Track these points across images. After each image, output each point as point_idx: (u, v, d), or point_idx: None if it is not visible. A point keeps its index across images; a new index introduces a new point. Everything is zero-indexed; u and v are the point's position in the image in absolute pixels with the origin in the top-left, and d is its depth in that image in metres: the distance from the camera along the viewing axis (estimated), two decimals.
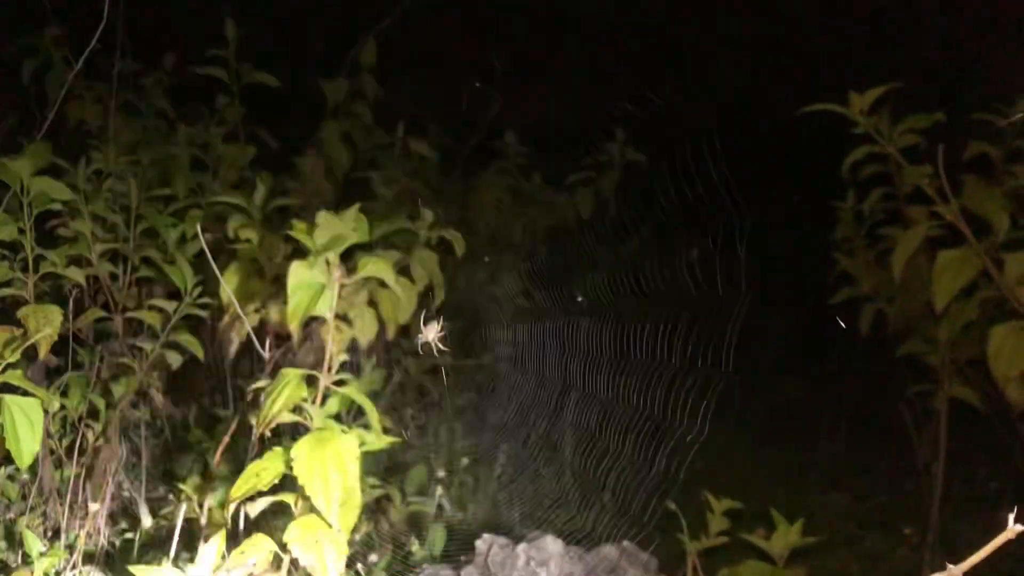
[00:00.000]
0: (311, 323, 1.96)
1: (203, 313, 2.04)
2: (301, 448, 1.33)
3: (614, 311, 2.07)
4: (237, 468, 1.72)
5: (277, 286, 1.96)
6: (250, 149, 2.73)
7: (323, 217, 1.31)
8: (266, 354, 1.85)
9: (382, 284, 2.04)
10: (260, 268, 2.06)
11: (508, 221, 3.25)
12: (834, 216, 2.44)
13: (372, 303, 2.03)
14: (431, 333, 1.61)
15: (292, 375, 1.35)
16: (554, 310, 2.37)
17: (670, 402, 1.75)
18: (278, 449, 1.40)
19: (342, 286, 1.38)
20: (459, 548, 1.94)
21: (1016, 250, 1.66)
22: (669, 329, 1.81)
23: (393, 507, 2.32)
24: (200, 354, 1.99)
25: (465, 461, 2.35)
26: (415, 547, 2.13)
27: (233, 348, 2.03)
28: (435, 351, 1.58)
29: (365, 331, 1.96)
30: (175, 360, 2.03)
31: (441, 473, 2.27)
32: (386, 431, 1.47)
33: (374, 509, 2.24)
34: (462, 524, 2.09)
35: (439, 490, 2.22)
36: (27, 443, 1.35)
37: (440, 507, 2.23)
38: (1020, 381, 1.61)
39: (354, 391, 1.40)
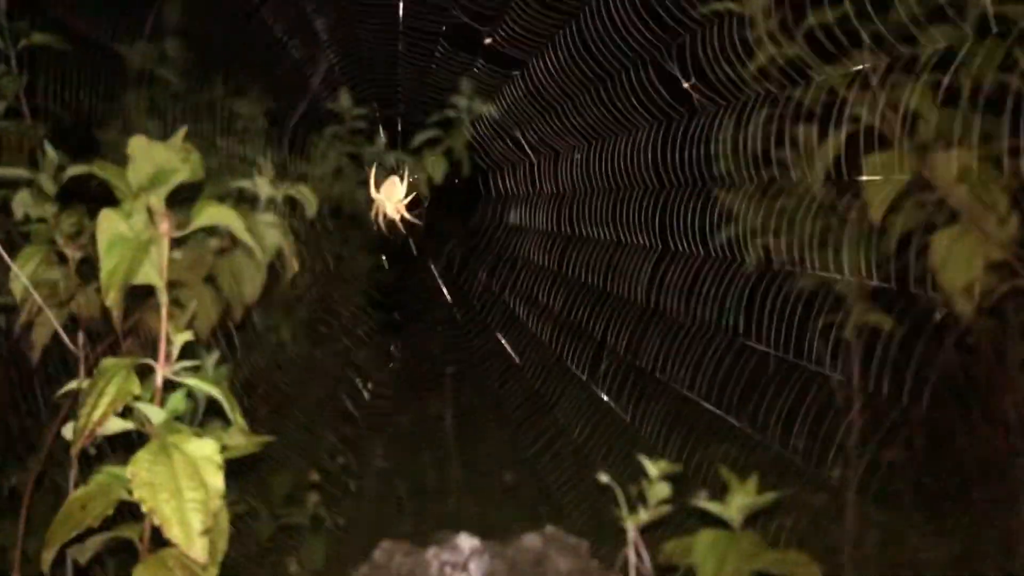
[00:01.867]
0: (134, 310, 1.58)
1: None
2: (140, 463, 0.98)
3: None
4: (56, 503, 1.34)
5: (86, 269, 1.57)
6: (38, 127, 2.27)
7: (138, 145, 0.96)
8: (79, 352, 1.46)
9: (221, 252, 1.69)
10: (61, 252, 1.66)
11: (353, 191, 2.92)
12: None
13: (210, 280, 1.67)
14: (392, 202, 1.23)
15: (116, 367, 1.00)
16: None
17: None
18: (109, 469, 1.04)
19: (174, 244, 1.03)
20: (350, 562, 1.62)
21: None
22: None
23: (257, 523, 1.97)
24: None
25: (341, 460, 2.02)
26: (292, 567, 1.80)
27: (36, 353, 1.62)
28: (401, 227, 1.21)
29: (204, 313, 1.60)
30: None
31: (315, 476, 1.93)
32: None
33: (235, 529, 1.88)
34: (348, 533, 1.77)
35: (313, 497, 1.88)
36: None
37: (316, 517, 1.90)
38: (967, 292, 1.45)
39: (205, 382, 1.06)
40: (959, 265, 1.43)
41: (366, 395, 2.29)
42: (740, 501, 1.34)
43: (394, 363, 2.69)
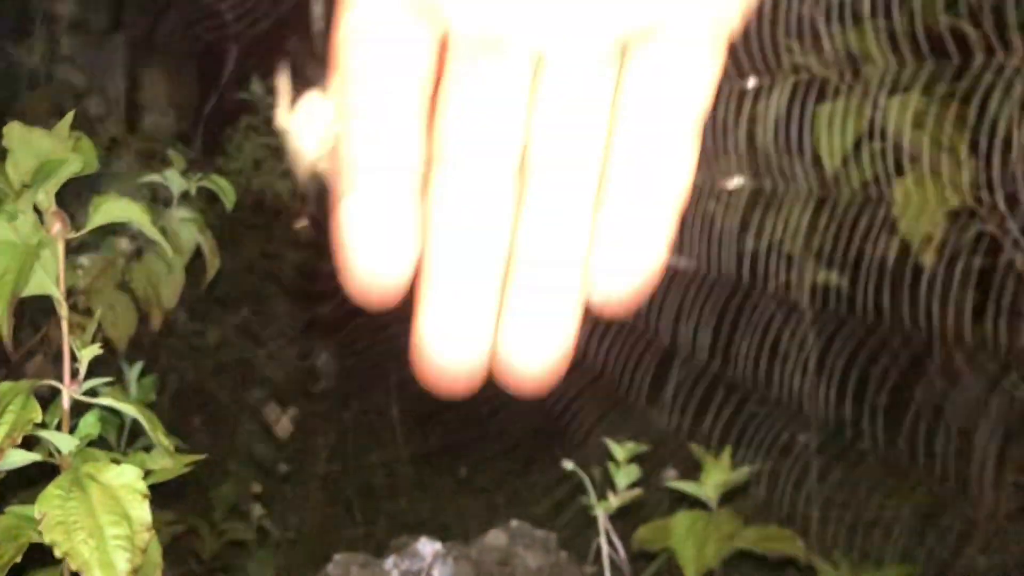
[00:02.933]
0: (42, 323, 1.43)
1: None
2: (49, 500, 0.86)
3: None
4: None
5: None
6: None
7: (15, 134, 0.83)
8: None
9: (134, 256, 1.55)
10: None
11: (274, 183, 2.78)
12: None
13: (122, 286, 1.53)
14: None
15: (12, 392, 0.87)
16: None
17: None
18: (13, 509, 0.91)
19: (69, 247, 0.91)
20: None
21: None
22: None
23: (199, 540, 1.84)
24: None
25: (284, 468, 1.89)
26: None
27: None
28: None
29: (120, 323, 1.46)
30: None
31: (257, 488, 1.80)
32: (177, 450, 1.01)
33: (173, 550, 1.75)
34: (297, 545, 1.65)
35: (257, 509, 1.76)
36: None
37: (261, 529, 1.77)
38: (929, 241, 1.39)
39: (119, 399, 0.94)
40: (919, 213, 1.37)
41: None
42: (715, 479, 1.27)
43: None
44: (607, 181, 0.41)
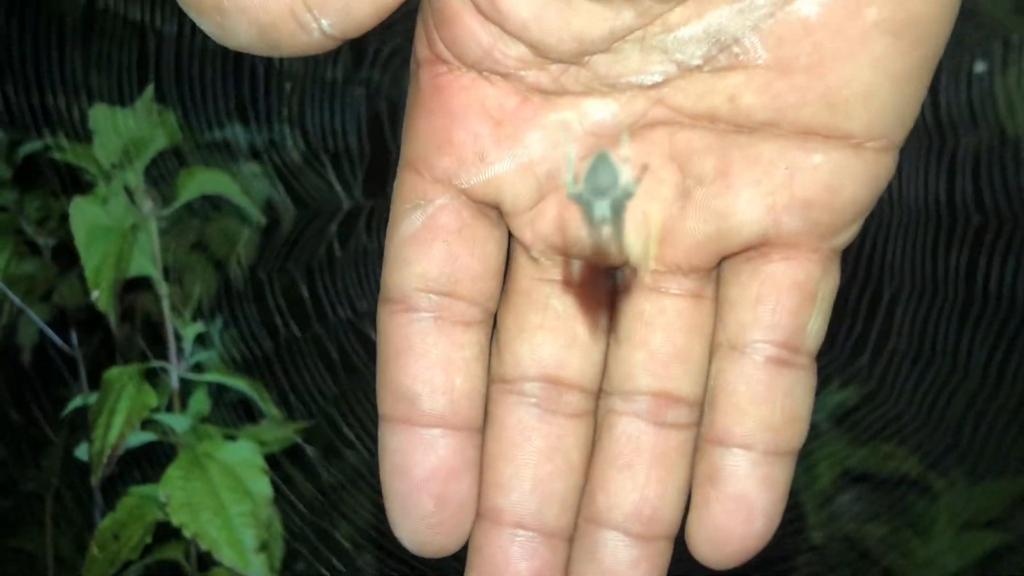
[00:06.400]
0: (127, 293, 1.43)
1: None
2: (172, 482, 0.85)
3: None
4: (76, 535, 1.22)
5: (63, 256, 1.41)
6: None
7: (100, 116, 0.80)
8: (75, 352, 1.31)
9: (205, 217, 1.53)
10: (31, 242, 1.50)
11: None
12: None
13: (199, 246, 1.52)
14: None
15: (124, 377, 0.86)
16: None
17: None
18: (137, 489, 0.91)
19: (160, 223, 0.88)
20: None
21: None
22: None
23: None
24: None
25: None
26: (343, 527, 1.70)
27: (26, 355, 1.47)
28: None
29: (204, 286, 1.45)
30: None
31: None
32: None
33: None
34: None
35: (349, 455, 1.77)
36: None
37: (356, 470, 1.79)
38: None
39: (227, 374, 0.93)
40: None
41: None
42: (825, 401, 1.24)
43: None
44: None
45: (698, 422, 0.38)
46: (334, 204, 1.71)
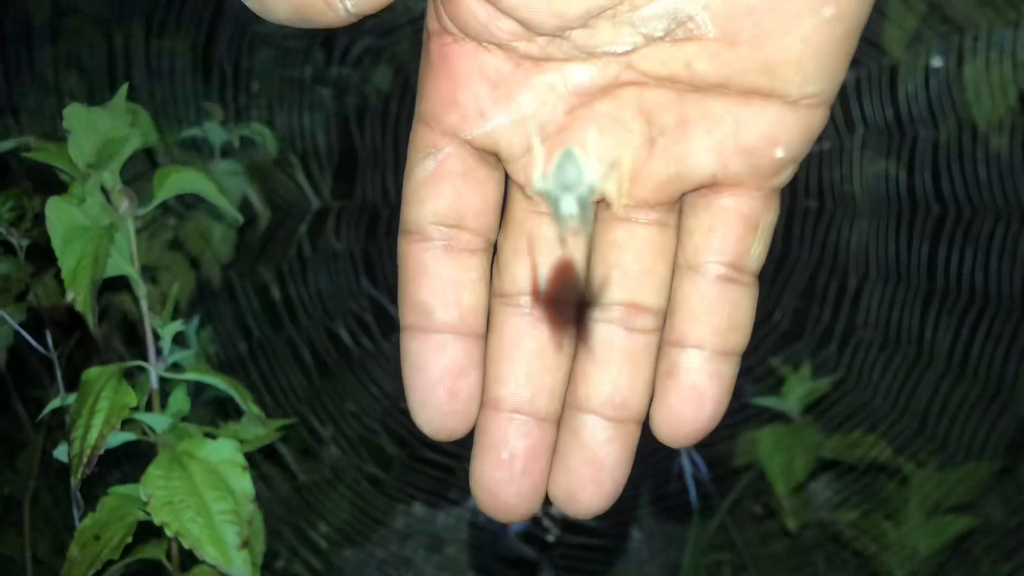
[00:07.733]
0: (102, 293, 1.42)
1: None
2: (153, 481, 0.86)
3: None
4: (54, 536, 1.21)
5: (38, 256, 1.40)
6: None
7: (75, 115, 0.80)
8: (51, 354, 1.31)
9: (179, 215, 1.53)
10: (5, 241, 1.49)
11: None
12: None
13: (176, 245, 1.51)
14: None
15: (102, 376, 0.86)
16: None
17: None
18: (117, 489, 0.91)
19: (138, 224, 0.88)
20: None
21: None
22: None
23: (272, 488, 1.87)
24: None
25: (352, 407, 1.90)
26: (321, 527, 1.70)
27: (1, 356, 1.46)
28: None
29: (179, 285, 1.45)
30: None
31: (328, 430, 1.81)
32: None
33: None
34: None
35: (332, 450, 1.77)
36: None
37: (334, 469, 1.79)
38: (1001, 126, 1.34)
39: (206, 372, 0.93)
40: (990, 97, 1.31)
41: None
42: (797, 391, 1.26)
43: None
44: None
45: (661, 328, 0.45)
46: (303, 205, 1.71)
